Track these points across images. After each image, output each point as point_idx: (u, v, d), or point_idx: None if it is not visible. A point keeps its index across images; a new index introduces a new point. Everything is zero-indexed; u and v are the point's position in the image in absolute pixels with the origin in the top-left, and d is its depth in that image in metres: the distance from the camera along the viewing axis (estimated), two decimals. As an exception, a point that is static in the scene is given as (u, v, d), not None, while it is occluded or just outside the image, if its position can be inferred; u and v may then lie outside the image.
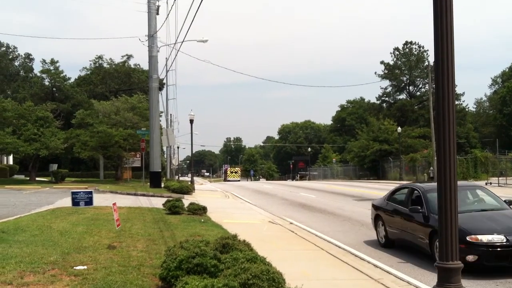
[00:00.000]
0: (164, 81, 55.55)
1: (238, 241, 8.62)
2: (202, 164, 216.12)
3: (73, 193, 14.52)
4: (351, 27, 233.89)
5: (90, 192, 14.58)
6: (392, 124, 64.23)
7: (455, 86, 3.71)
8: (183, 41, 27.24)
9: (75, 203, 14.48)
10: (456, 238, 3.72)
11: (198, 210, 16.27)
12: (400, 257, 10.44)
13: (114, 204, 11.65)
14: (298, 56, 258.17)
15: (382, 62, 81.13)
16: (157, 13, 32.96)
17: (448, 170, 3.72)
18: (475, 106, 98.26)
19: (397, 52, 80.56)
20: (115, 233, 11.12)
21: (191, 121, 37.68)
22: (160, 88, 50.15)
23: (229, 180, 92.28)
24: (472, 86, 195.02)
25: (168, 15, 33.57)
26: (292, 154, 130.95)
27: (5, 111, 37.79)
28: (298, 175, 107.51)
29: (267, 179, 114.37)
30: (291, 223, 16.01)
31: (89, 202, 14.50)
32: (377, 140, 63.14)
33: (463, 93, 79.56)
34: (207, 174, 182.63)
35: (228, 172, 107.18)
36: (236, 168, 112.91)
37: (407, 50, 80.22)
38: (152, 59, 32.66)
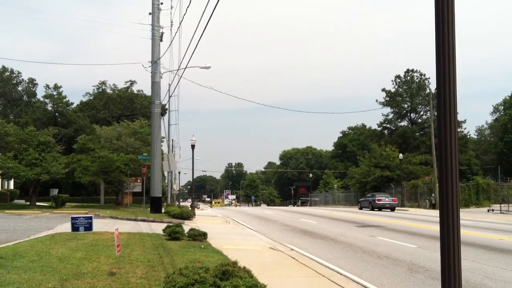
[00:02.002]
0: (167, 106, 55.85)
1: (238, 268, 8.51)
2: (203, 189, 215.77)
3: (72, 218, 14.45)
4: (352, 55, 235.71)
5: (90, 218, 14.51)
6: (394, 150, 64.29)
7: (457, 114, 3.70)
8: (185, 67, 27.39)
9: (74, 228, 14.41)
10: (459, 273, 3.66)
11: (198, 236, 16.15)
12: (400, 285, 10.31)
13: (116, 229, 11.59)
14: (299, 82, 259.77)
15: (383, 90, 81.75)
16: (161, 40, 33.28)
17: (450, 199, 3.67)
18: (476, 134, 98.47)
19: (399, 80, 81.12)
20: (115, 259, 11.01)
21: (193, 147, 37.72)
22: (162, 114, 50.36)
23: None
24: (473, 114, 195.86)
25: (171, 41, 33.93)
26: (293, 180, 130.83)
27: (7, 135, 37.91)
28: (300, 201, 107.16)
29: (268, 205, 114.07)
30: (292, 249, 15.87)
31: (88, 227, 14.42)
32: (379, 167, 63.16)
33: (465, 120, 79.77)
34: (208, 199, 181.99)
35: (213, 202, 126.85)
36: (219, 200, 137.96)
37: (408, 78, 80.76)
38: (155, 85, 32.85)
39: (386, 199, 48.15)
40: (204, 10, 15.24)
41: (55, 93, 67.29)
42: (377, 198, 48.56)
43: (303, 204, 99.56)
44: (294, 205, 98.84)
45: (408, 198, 55.53)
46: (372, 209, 47.71)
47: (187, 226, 20.37)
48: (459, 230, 3.77)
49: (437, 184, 37.76)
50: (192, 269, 8.20)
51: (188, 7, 19.79)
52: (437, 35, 3.85)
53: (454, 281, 3.71)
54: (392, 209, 47.16)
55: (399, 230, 22.20)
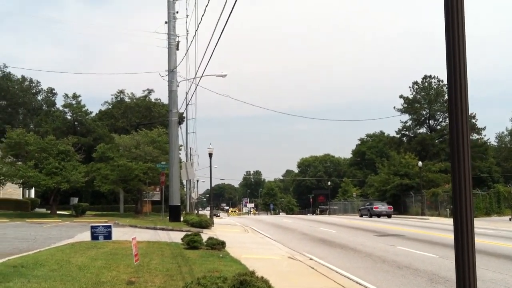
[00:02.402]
0: (184, 114, 56.15)
1: (256, 277, 8.47)
2: (222, 197, 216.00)
3: (92, 227, 14.56)
4: (370, 61, 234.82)
5: (109, 226, 14.61)
6: (413, 158, 63.74)
7: (469, 118, 3.63)
8: (202, 75, 27.52)
9: (94, 237, 14.51)
10: (474, 284, 3.58)
11: (217, 245, 16.14)
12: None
13: (134, 238, 11.63)
14: (317, 90, 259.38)
15: (401, 96, 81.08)
16: (177, 49, 33.49)
17: (464, 209, 3.61)
18: (496, 140, 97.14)
19: (416, 86, 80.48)
20: (134, 268, 11.05)
21: (210, 155, 37.84)
22: (180, 122, 50.61)
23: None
24: (494, 120, 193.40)
25: (187, 50, 34.09)
26: (312, 188, 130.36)
27: (27, 145, 38.38)
28: (319, 209, 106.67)
29: (287, 213, 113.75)
30: (311, 258, 15.78)
31: (108, 236, 14.51)
32: (398, 174, 62.67)
33: (485, 127, 78.60)
34: (227, 207, 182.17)
35: (229, 211, 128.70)
36: (235, 209, 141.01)
37: (426, 84, 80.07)
38: (172, 93, 33.04)
39: (383, 207, 53.27)
40: (219, 19, 15.31)
41: (74, 102, 68.01)
42: (374, 206, 53.80)
43: (322, 212, 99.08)
44: (313, 214, 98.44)
45: (428, 207, 54.93)
46: (371, 216, 51.97)
47: (205, 235, 20.39)
48: (473, 239, 3.71)
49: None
50: (210, 278, 8.18)
51: (202, 16, 19.90)
52: (447, 40, 3.81)
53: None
54: (389, 216, 51.27)
55: (420, 239, 21.96)
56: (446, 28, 3.92)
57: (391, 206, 55.15)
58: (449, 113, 3.86)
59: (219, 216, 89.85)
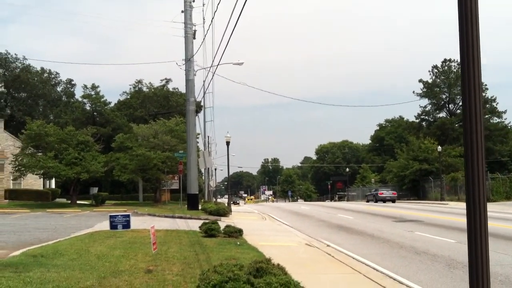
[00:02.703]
0: (202, 103, 56.23)
1: (272, 265, 8.51)
2: (240, 185, 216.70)
3: (111, 216, 14.73)
4: (389, 46, 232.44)
5: (128, 215, 14.76)
6: (433, 143, 63.14)
7: (482, 103, 3.60)
8: (218, 64, 27.53)
9: (113, 226, 14.69)
10: (487, 269, 3.56)
11: (234, 233, 16.23)
12: (438, 281, 10.14)
13: (153, 227, 11.75)
14: (334, 76, 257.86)
15: (420, 81, 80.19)
16: (194, 38, 33.50)
17: (477, 191, 3.58)
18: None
19: (436, 70, 79.50)
20: (152, 256, 11.17)
21: (228, 143, 37.87)
22: (198, 111, 50.74)
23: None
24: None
25: (204, 38, 34.12)
26: (330, 175, 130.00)
27: (47, 136, 38.83)
28: (337, 195, 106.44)
29: (305, 200, 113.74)
30: (328, 245, 15.79)
31: (126, 225, 14.67)
32: (417, 160, 62.17)
33: (505, 110, 77.41)
34: (245, 195, 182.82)
35: (246, 199, 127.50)
36: (252, 196, 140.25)
37: (446, 68, 79.04)
38: (189, 82, 33.11)
39: (387, 193, 57.24)
40: (235, 6, 15.27)
41: (92, 93, 68.55)
42: (379, 192, 58.30)
43: (340, 199, 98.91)
44: (331, 200, 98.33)
45: (448, 192, 54.48)
46: (376, 201, 55.18)
47: (223, 222, 20.51)
48: (486, 223, 3.67)
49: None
50: (226, 266, 8.24)
51: (218, 4, 19.86)
52: (460, 24, 3.76)
53: (482, 274, 3.62)
54: (393, 201, 54.57)
55: (438, 225, 21.83)
56: (460, 13, 3.87)
57: (395, 192, 58.81)
58: (462, 100, 3.82)
59: (238, 203, 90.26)
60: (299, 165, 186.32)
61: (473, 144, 3.67)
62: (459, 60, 3.86)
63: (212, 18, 29.92)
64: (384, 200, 54.90)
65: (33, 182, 51.04)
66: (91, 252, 11.79)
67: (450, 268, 11.38)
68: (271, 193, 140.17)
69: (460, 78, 3.84)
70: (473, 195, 3.64)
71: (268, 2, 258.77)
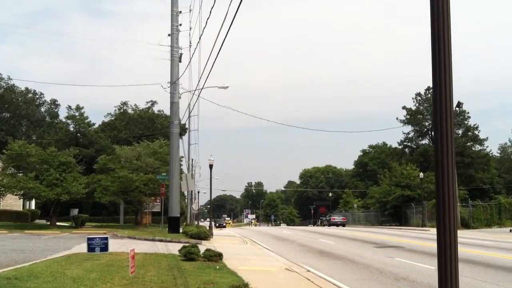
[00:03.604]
0: (187, 126, 56.23)
1: (249, 289, 8.48)
2: (223, 208, 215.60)
3: (89, 239, 14.61)
4: (372, 73, 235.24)
5: (106, 238, 14.65)
6: (414, 169, 63.60)
7: (453, 132, 3.67)
8: (202, 87, 27.62)
9: (90, 249, 14.56)
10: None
11: (214, 257, 16.10)
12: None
13: (132, 250, 11.64)
14: (319, 100, 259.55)
15: (404, 108, 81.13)
16: (180, 61, 33.58)
17: (447, 219, 3.62)
18: (499, 152, 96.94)
19: (419, 98, 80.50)
20: (128, 280, 11.03)
21: (211, 167, 37.82)
22: (182, 134, 50.69)
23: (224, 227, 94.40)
24: (496, 132, 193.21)
25: (189, 62, 34.26)
26: (314, 199, 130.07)
27: (29, 156, 38.45)
28: (319, 220, 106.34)
29: (288, 224, 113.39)
30: (308, 270, 15.73)
31: (104, 248, 14.55)
32: (399, 186, 62.49)
33: (487, 138, 78.47)
34: (228, 218, 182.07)
35: (225, 223, 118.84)
36: (230, 221, 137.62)
37: (429, 95, 79.98)
38: (174, 105, 33.10)
39: (338, 218, 71.54)
40: (220, 31, 15.41)
41: (77, 114, 68.25)
42: (332, 217, 72.62)
43: (323, 224, 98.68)
44: (314, 225, 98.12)
45: (429, 218, 54.64)
46: (329, 225, 66.73)
47: (204, 246, 20.35)
48: (456, 250, 3.70)
49: (458, 204, 36.81)
50: (203, 291, 8.19)
51: (204, 28, 20.03)
52: (433, 49, 3.84)
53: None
54: (343, 225, 66.74)
55: (419, 251, 21.88)
56: (432, 40, 3.96)
57: (345, 217, 74.26)
58: (434, 129, 3.89)
59: (224, 226, 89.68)
60: (283, 189, 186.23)
61: (444, 177, 3.71)
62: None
63: (198, 43, 30.07)
64: (336, 224, 66.69)
65: (12, 202, 50.34)
66: (67, 275, 11.59)
67: (428, 294, 11.37)
68: (254, 217, 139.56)
69: (432, 108, 3.91)
70: (443, 223, 3.68)
71: (253, 28, 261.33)
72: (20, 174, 39.17)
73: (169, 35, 33.38)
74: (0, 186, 38.35)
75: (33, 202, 55.00)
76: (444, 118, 3.75)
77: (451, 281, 3.61)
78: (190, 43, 34.91)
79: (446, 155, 3.73)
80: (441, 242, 3.72)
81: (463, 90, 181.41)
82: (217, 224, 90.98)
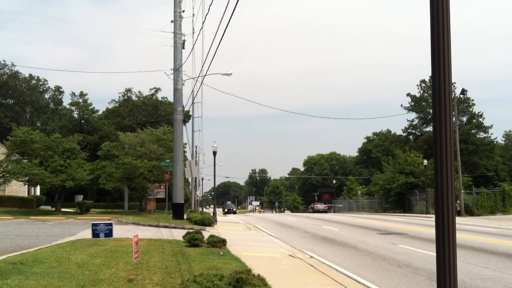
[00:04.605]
0: (190, 113, 56.24)
1: (253, 275, 8.50)
2: (227, 195, 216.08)
3: (93, 224, 14.65)
4: (377, 60, 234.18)
5: (110, 224, 14.69)
6: (418, 156, 63.51)
7: (452, 118, 3.66)
8: (205, 74, 27.54)
9: (95, 234, 14.61)
10: (455, 281, 3.59)
11: (218, 243, 16.18)
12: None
13: (136, 236, 11.69)
14: (324, 88, 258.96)
15: (408, 95, 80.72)
16: (183, 47, 33.49)
17: (446, 205, 3.62)
18: (504, 139, 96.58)
19: (424, 84, 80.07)
20: (133, 265, 11.10)
21: (214, 153, 37.86)
22: (186, 121, 50.71)
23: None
24: (501, 119, 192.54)
25: (192, 48, 34.04)
26: (317, 186, 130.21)
27: (33, 142, 38.54)
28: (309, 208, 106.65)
29: (292, 211, 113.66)
30: (311, 257, 15.80)
31: (109, 233, 14.60)
32: (403, 173, 62.45)
33: (491, 125, 78.02)
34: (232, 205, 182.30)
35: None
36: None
37: (433, 82, 79.63)
38: (177, 92, 33.07)
39: (320, 206, 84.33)
40: (222, 17, 15.34)
41: (80, 100, 68.17)
42: (315, 205, 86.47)
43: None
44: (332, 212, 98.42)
45: (433, 205, 54.67)
46: (313, 212, 76.47)
47: (207, 232, 20.44)
48: (454, 236, 3.72)
49: (462, 191, 36.89)
50: (206, 276, 8.22)
51: (206, 15, 19.94)
52: (432, 38, 3.82)
53: (450, 282, 3.65)
54: (325, 212, 77.59)
55: (422, 238, 21.92)
56: (432, 26, 3.94)
57: (327, 205, 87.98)
58: (433, 116, 3.88)
59: (235, 212, 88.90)
60: (287, 176, 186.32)
61: (443, 162, 3.71)
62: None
63: (201, 29, 30.00)
64: (318, 211, 78.02)
65: (17, 189, 50.58)
66: (72, 260, 11.68)
67: (431, 281, 11.41)
68: (258, 204, 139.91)
69: (432, 97, 3.90)
70: (442, 209, 3.68)
71: (257, 13, 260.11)
72: (25, 161, 39.29)
73: (172, 21, 33.29)
74: (5, 172, 38.47)
75: (38, 188, 55.24)
76: (443, 107, 3.76)
77: (449, 267, 3.62)
78: (193, 29, 34.87)
79: (445, 144, 3.74)
80: (440, 229, 3.74)
81: (468, 78, 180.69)
82: (226, 210, 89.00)
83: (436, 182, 3.76)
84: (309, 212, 78.51)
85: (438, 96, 3.72)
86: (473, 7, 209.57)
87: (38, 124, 71.97)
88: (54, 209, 42.61)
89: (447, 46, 3.79)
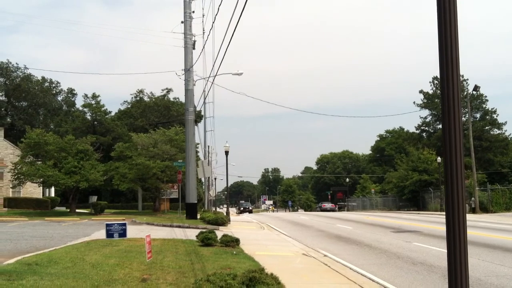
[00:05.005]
0: (202, 113, 56.34)
1: (266, 274, 8.49)
2: (241, 195, 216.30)
3: (107, 225, 14.73)
4: (389, 57, 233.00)
5: (124, 224, 14.76)
6: (431, 153, 63.09)
7: (461, 115, 3.64)
8: (216, 74, 27.60)
9: (109, 235, 14.69)
10: (466, 278, 3.56)
11: (231, 242, 16.20)
12: (435, 292, 10.11)
13: (148, 236, 11.74)
14: (336, 86, 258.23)
15: (421, 91, 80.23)
16: (193, 48, 33.58)
17: (456, 202, 3.59)
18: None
19: (436, 81, 79.49)
20: (147, 265, 11.15)
21: (226, 153, 37.92)
22: (197, 121, 50.80)
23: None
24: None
25: (203, 48, 34.21)
26: (331, 185, 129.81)
27: (47, 144, 38.84)
28: (337, 206, 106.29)
29: (305, 210, 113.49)
30: (325, 255, 15.75)
31: (122, 234, 14.67)
32: (417, 170, 62.04)
33: (506, 122, 77.29)
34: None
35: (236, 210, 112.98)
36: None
37: (446, 78, 79.03)
38: (188, 92, 33.16)
39: (328, 205, 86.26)
40: (232, 17, 15.34)
41: (93, 102, 68.62)
42: (322, 204, 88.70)
43: (341, 209, 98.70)
44: (340, 210, 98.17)
45: (448, 202, 54.38)
46: (321, 211, 78.29)
47: (221, 232, 20.48)
48: (465, 233, 3.70)
49: (476, 188, 36.54)
50: (219, 275, 8.23)
51: (216, 15, 19.96)
52: (440, 35, 3.79)
53: (461, 279, 3.63)
54: (333, 211, 79.45)
55: (436, 235, 21.76)
56: (439, 25, 3.91)
57: (334, 204, 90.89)
58: (442, 112, 3.86)
59: (251, 211, 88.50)
60: (300, 175, 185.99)
61: (452, 158, 3.68)
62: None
63: (210, 29, 30.05)
64: (326, 210, 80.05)
65: (32, 190, 51.02)
66: (86, 260, 11.75)
67: (445, 279, 11.24)
68: (272, 203, 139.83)
69: (440, 95, 3.87)
70: (452, 206, 3.65)
71: (267, 13, 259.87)
72: (39, 162, 39.63)
73: (182, 22, 33.36)
74: (20, 174, 38.83)
75: (53, 189, 55.65)
76: (451, 104, 3.75)
77: (461, 266, 3.60)
78: (203, 30, 34.89)
79: (454, 142, 3.72)
80: (450, 226, 3.73)
81: (481, 75, 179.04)
82: (242, 208, 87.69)
83: (446, 180, 3.74)
84: (317, 211, 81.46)
85: (447, 93, 3.70)
86: (485, 1, 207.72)
87: (52, 126, 72.50)
88: (68, 210, 42.91)
89: (455, 43, 3.78)
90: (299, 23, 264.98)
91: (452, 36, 3.73)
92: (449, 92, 3.69)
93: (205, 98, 44.19)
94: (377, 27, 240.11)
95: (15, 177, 39.34)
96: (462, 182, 3.64)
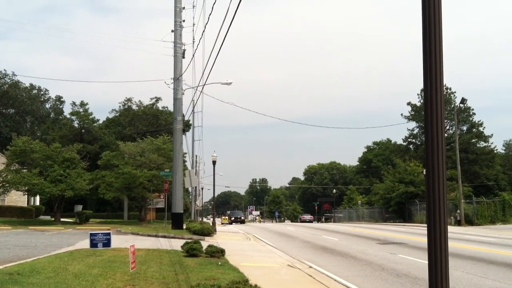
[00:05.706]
0: (191, 122, 56.29)
1: (250, 285, 8.50)
2: (228, 205, 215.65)
3: (91, 234, 14.61)
4: (376, 69, 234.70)
5: (108, 234, 14.65)
6: (418, 165, 63.44)
7: (444, 129, 3.67)
8: (205, 84, 27.61)
9: (93, 244, 14.56)
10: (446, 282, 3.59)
11: (216, 253, 16.12)
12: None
13: (132, 246, 11.65)
14: (324, 97, 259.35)
15: (409, 103, 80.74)
16: (183, 57, 33.60)
17: (438, 216, 3.62)
18: (504, 148, 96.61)
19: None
20: (130, 275, 11.06)
21: (214, 163, 37.87)
22: (186, 130, 50.73)
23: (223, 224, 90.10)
24: (501, 128, 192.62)
25: (192, 58, 34.22)
26: (318, 196, 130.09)
27: (33, 152, 38.52)
28: (324, 217, 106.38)
29: (292, 221, 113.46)
30: (310, 266, 15.74)
31: (107, 243, 14.56)
32: (403, 182, 62.35)
33: (492, 134, 77.97)
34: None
35: (222, 218, 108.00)
36: (226, 216, 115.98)
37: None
38: (177, 101, 33.13)
39: (307, 217, 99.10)
40: (220, 28, 15.39)
41: (81, 110, 68.29)
42: (302, 216, 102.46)
43: (327, 220, 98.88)
44: (318, 221, 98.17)
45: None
46: (301, 222, 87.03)
47: (206, 242, 20.40)
48: (447, 246, 3.73)
49: (462, 201, 36.80)
50: (203, 286, 8.22)
51: (206, 24, 20.01)
52: (424, 48, 3.84)
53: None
54: (311, 222, 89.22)
55: (421, 248, 21.82)
56: (423, 37, 3.96)
57: (312, 216, 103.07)
58: (425, 125, 3.89)
59: (243, 221, 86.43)
60: (287, 185, 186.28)
61: (434, 170, 3.70)
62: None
63: (200, 39, 30.11)
64: (305, 221, 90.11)
65: (17, 199, 50.51)
66: (69, 270, 11.63)
67: (429, 291, 11.35)
68: (259, 213, 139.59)
69: (424, 107, 3.90)
70: (434, 218, 3.67)
71: (258, 23, 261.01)
72: (24, 170, 39.25)
73: (172, 31, 33.41)
74: (5, 182, 38.43)
75: (38, 198, 55.10)
76: (434, 117, 3.77)
77: (441, 277, 3.62)
78: (193, 39, 34.95)
79: (436, 155, 3.74)
80: (431, 240, 3.76)
81: (468, 87, 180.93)
82: (233, 218, 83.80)
83: (427, 193, 3.77)
84: (297, 221, 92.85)
85: (430, 107, 3.74)
86: (473, 16, 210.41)
87: (39, 134, 72.04)
88: (53, 219, 42.50)
89: (439, 57, 3.81)
90: (289, 33, 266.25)
91: (436, 48, 3.80)
92: (432, 105, 3.74)
93: (194, 107, 44.15)
94: (370, 37, 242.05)
95: (0, 185, 38.93)
96: (444, 196, 3.68)
